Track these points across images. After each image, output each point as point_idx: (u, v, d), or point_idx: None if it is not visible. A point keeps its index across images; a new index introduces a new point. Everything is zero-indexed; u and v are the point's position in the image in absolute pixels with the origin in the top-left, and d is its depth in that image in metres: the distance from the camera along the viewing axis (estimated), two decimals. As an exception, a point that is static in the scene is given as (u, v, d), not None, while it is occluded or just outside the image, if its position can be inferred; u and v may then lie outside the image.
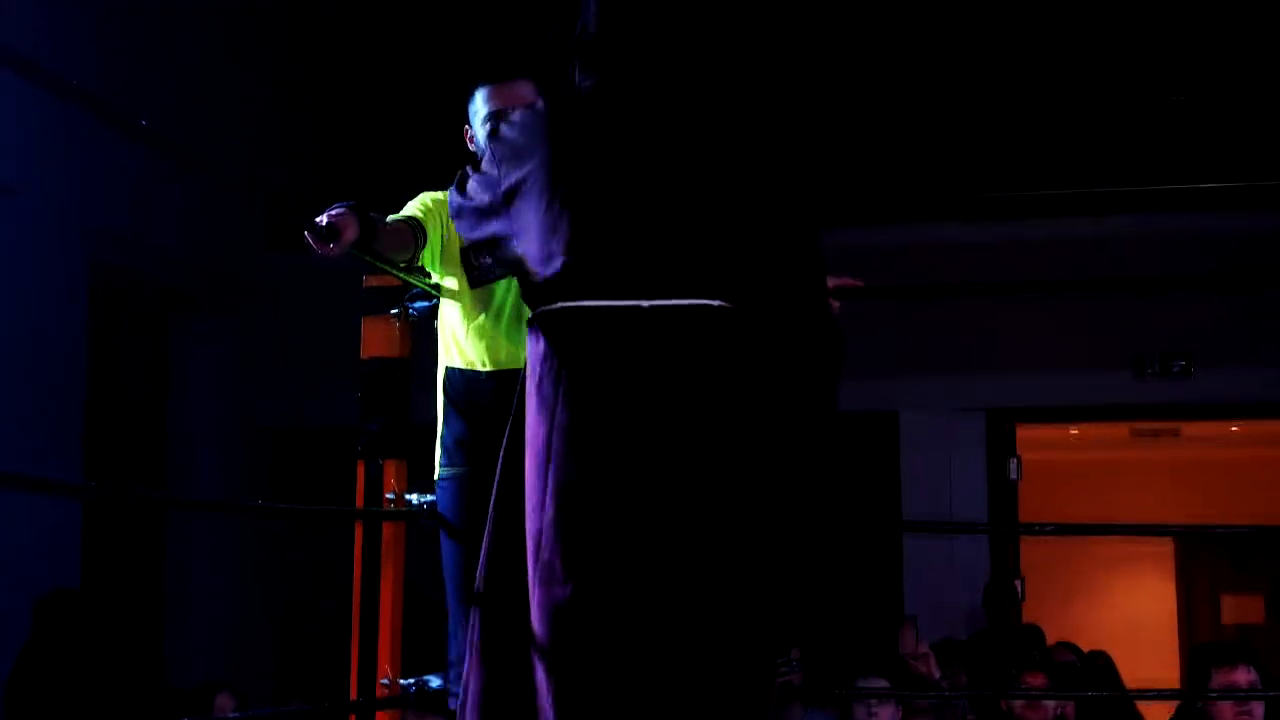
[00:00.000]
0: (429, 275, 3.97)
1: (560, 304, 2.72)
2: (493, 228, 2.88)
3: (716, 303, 2.70)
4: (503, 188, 2.83)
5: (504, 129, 2.87)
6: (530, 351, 2.79)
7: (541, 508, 2.67)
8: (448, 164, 4.32)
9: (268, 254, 10.04)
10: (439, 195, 3.95)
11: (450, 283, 3.91)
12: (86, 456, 8.47)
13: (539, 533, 2.66)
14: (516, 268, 2.84)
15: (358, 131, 10.35)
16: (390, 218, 3.75)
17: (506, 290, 3.83)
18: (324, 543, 9.56)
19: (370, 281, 4.29)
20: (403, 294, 4.24)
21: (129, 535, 9.63)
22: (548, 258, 2.74)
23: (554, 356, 2.71)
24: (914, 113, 9.74)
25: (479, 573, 2.81)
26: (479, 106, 3.92)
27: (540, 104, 2.88)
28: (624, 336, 2.68)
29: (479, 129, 3.92)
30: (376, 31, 10.03)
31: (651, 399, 2.65)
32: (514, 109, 2.92)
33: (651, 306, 2.68)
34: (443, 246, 3.88)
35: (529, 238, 2.77)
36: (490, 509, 2.83)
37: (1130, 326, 9.33)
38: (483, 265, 3.86)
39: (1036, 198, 9.69)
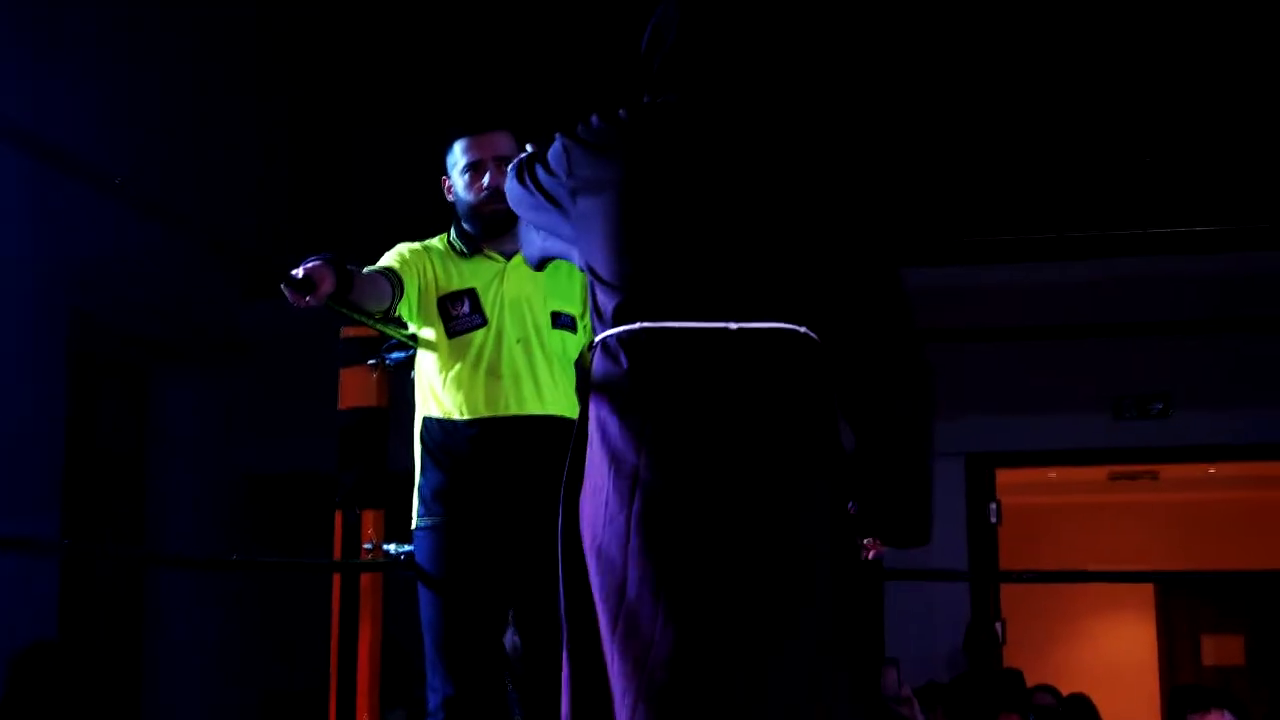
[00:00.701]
0: (406, 325, 3.98)
1: (641, 324, 2.65)
2: (553, 228, 2.84)
3: (802, 329, 2.65)
4: (570, 190, 2.78)
5: (581, 131, 2.80)
6: (601, 373, 2.69)
7: (625, 537, 2.58)
8: (424, 216, 4.36)
9: (246, 304, 10.05)
10: (416, 246, 3.97)
11: (428, 333, 3.92)
12: (65, 507, 8.45)
13: (621, 564, 2.58)
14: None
15: (333, 184, 10.37)
16: (367, 269, 3.76)
17: (484, 340, 3.84)
18: (304, 591, 9.55)
19: (348, 332, 4.30)
20: (380, 344, 4.25)
21: (107, 588, 9.60)
22: (624, 275, 2.68)
23: (638, 379, 2.63)
24: (891, 159, 9.79)
25: (563, 614, 2.73)
26: (457, 157, 3.93)
27: (622, 112, 2.80)
28: (713, 359, 2.61)
29: (457, 179, 3.94)
30: (353, 83, 10.06)
31: (744, 424, 2.57)
32: (592, 115, 2.83)
33: (740, 329, 2.62)
34: (419, 297, 3.89)
35: (597, 249, 2.72)
36: (560, 543, 2.75)
37: (1108, 369, 9.36)
38: (460, 315, 3.87)
39: (1014, 242, 9.73)
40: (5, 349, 7.94)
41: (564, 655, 2.72)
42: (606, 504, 2.62)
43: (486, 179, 3.88)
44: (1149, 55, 8.94)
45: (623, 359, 2.65)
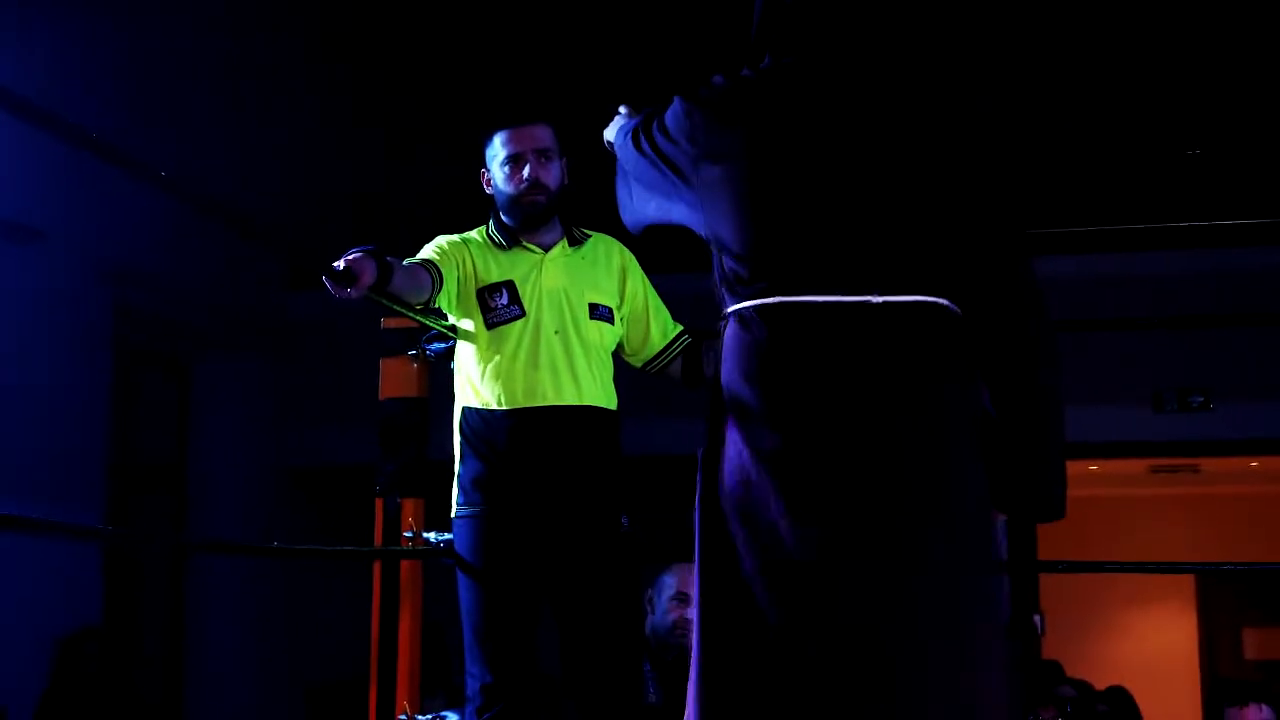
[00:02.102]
0: (445, 316, 4.02)
1: (779, 298, 2.57)
2: (671, 195, 2.76)
3: (945, 301, 2.58)
4: (693, 158, 2.70)
5: (705, 94, 2.70)
6: (739, 345, 2.61)
7: (771, 514, 2.51)
8: (465, 209, 4.39)
9: (289, 295, 10.13)
10: (454, 238, 4.00)
11: (466, 324, 3.95)
12: (109, 496, 8.53)
13: (770, 539, 2.51)
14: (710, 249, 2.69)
15: (378, 175, 10.41)
16: (407, 261, 3.79)
17: (522, 331, 3.88)
18: (346, 579, 9.62)
19: (388, 323, 4.34)
20: (421, 334, 4.29)
21: (150, 576, 9.68)
22: (757, 246, 2.60)
23: (778, 354, 2.55)
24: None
25: (699, 611, 2.61)
26: (497, 150, 3.96)
27: (746, 72, 2.70)
28: (855, 333, 2.53)
29: (496, 171, 3.97)
30: (396, 77, 10.09)
31: (887, 398, 2.51)
32: (715, 77, 2.73)
33: (883, 303, 2.54)
34: (458, 289, 3.92)
35: (726, 219, 2.64)
36: (696, 529, 2.63)
37: (1149, 361, 9.34)
38: (498, 307, 3.91)
39: (1057, 235, 9.71)
40: (51, 340, 8.02)
41: (695, 636, 2.60)
42: (748, 481, 2.55)
43: (527, 171, 3.91)
44: (1192, 48, 8.90)
45: (761, 331, 2.58)
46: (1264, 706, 5.53)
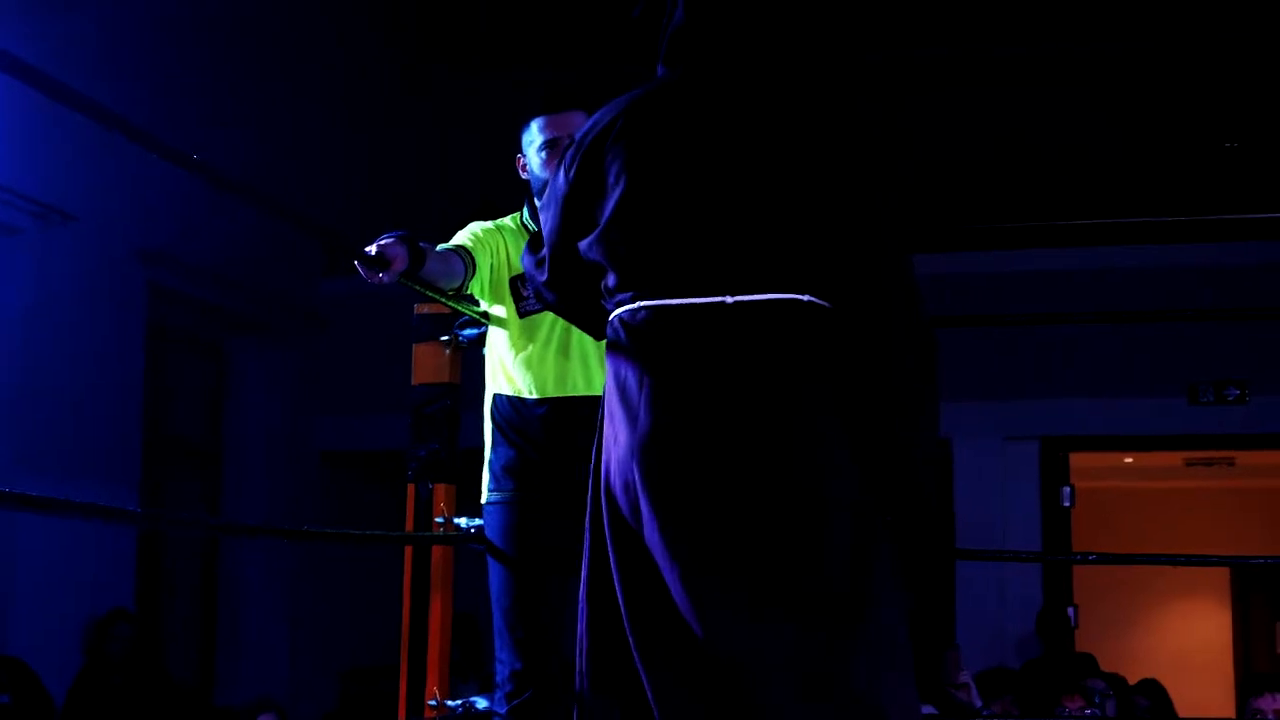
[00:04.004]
0: (478, 303, 4.01)
1: (641, 303, 2.65)
2: (562, 216, 2.80)
3: (806, 297, 2.61)
4: (571, 185, 2.78)
5: (581, 132, 2.79)
6: (610, 352, 2.71)
7: (640, 519, 2.59)
8: (497, 196, 4.38)
9: (323, 279, 10.15)
10: (489, 225, 3.99)
11: (499, 311, 3.95)
12: (144, 478, 8.57)
13: (638, 549, 2.59)
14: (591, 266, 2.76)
15: (408, 161, 10.43)
16: (440, 247, 3.79)
17: (554, 320, 3.86)
18: (376, 564, 9.64)
19: (421, 309, 4.33)
20: (453, 321, 4.28)
21: (183, 557, 9.72)
22: (624, 254, 2.68)
23: (638, 356, 2.63)
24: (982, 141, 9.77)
25: (581, 594, 2.73)
26: (534, 136, 3.94)
27: (618, 103, 2.78)
28: (709, 333, 2.59)
29: (533, 157, 3.96)
30: (429, 64, 10.11)
31: (739, 390, 2.56)
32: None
33: (736, 302, 2.60)
34: (492, 275, 3.91)
35: (596, 236, 2.72)
36: (585, 530, 2.74)
37: (1185, 353, 9.29)
38: (531, 296, 3.90)
39: (1092, 227, 9.67)
40: (86, 322, 8.05)
41: (581, 597, 2.73)
42: (617, 484, 2.64)
43: (564, 156, 3.90)
44: (1228, 43, 8.86)
45: (623, 338, 2.67)
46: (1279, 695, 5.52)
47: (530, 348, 3.88)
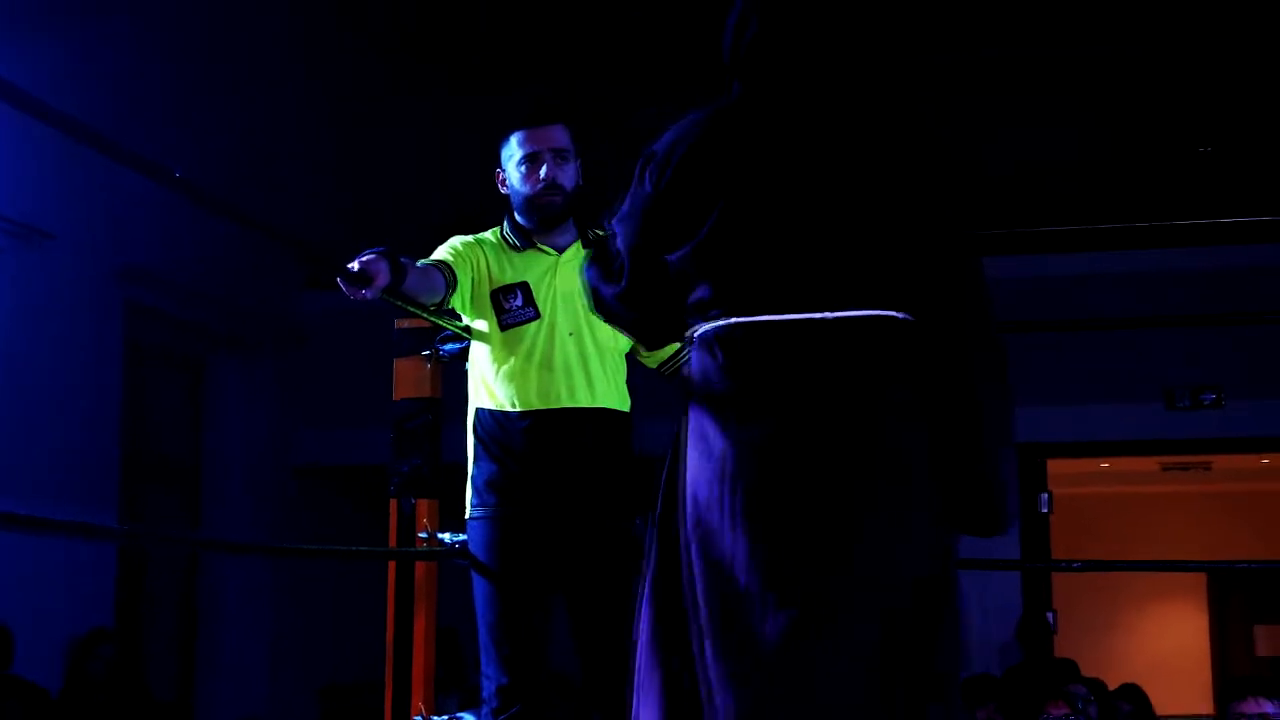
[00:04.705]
0: (459, 317, 4.02)
1: (735, 319, 2.67)
2: (645, 227, 2.79)
3: (896, 313, 2.65)
4: (659, 193, 2.76)
5: (669, 139, 2.78)
6: (698, 368, 2.71)
7: (727, 531, 2.60)
8: (475, 210, 4.39)
9: (301, 294, 10.13)
10: (469, 239, 4.00)
11: (481, 325, 3.95)
12: (122, 495, 8.54)
13: (728, 559, 2.59)
14: (669, 278, 2.77)
15: (387, 176, 10.42)
16: (421, 262, 3.79)
17: (537, 332, 3.88)
18: (356, 580, 9.63)
19: (402, 323, 4.34)
20: (435, 335, 4.29)
21: (162, 575, 9.69)
22: (717, 269, 2.69)
23: (733, 375, 2.65)
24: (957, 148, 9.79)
25: (644, 616, 2.73)
26: (513, 150, 3.95)
27: (720, 104, 2.80)
28: (808, 350, 2.62)
29: (512, 171, 3.97)
30: (405, 78, 10.10)
31: (842, 412, 2.59)
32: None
33: (836, 319, 2.63)
34: (473, 290, 3.92)
35: (691, 250, 2.72)
36: (653, 547, 2.75)
37: (1161, 359, 9.33)
38: (513, 308, 3.91)
39: (1071, 233, 9.70)
40: (64, 338, 8.03)
41: (645, 634, 2.73)
42: (706, 499, 2.64)
43: (544, 170, 3.91)
44: (1201, 49, 8.91)
45: (719, 354, 2.67)
46: (1264, 700, 5.53)
47: (512, 361, 3.89)
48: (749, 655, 2.57)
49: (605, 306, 2.93)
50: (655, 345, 2.99)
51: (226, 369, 10.03)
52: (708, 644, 2.61)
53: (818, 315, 2.62)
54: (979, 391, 2.66)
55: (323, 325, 9.99)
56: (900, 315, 2.65)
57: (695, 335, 2.74)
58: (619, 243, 2.87)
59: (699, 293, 2.73)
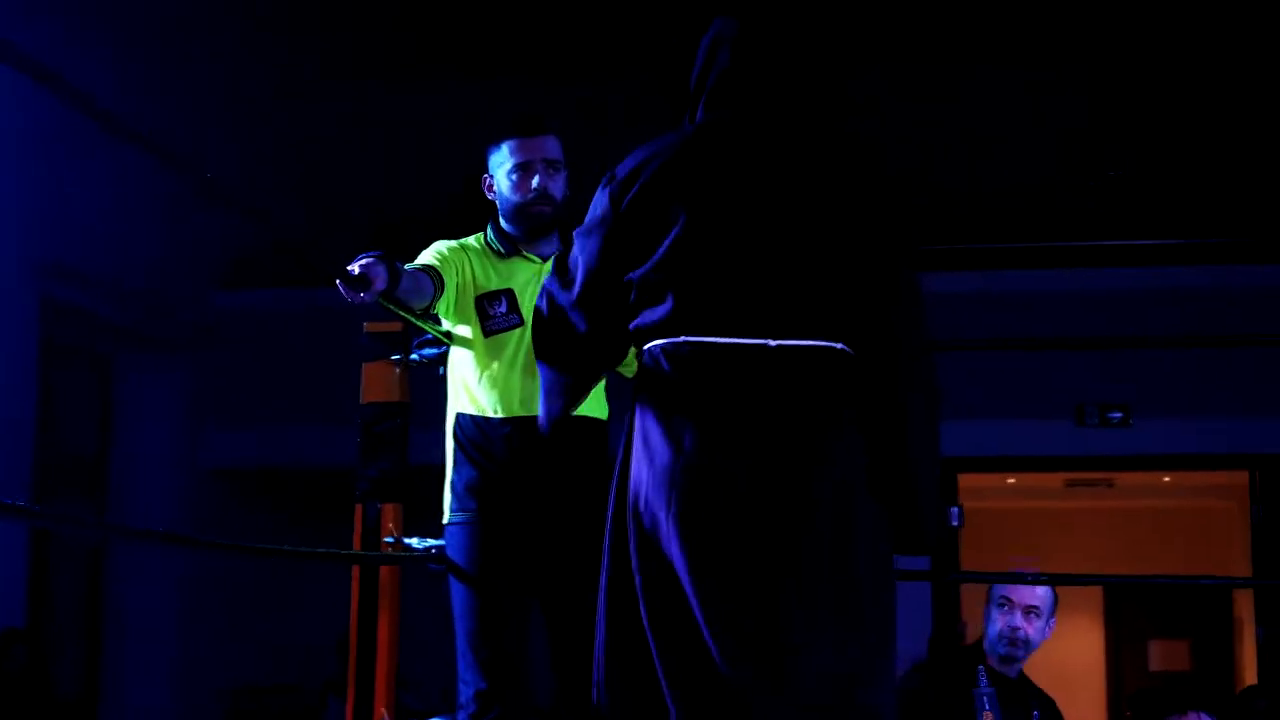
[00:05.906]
0: (440, 322, 4.02)
1: (684, 338, 2.75)
2: (606, 245, 2.87)
3: (839, 345, 2.75)
4: (620, 214, 2.85)
5: (629, 164, 2.87)
6: (647, 381, 2.81)
7: (672, 538, 2.69)
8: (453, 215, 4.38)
9: (219, 292, 10.03)
10: (453, 244, 4.01)
11: (464, 330, 3.96)
12: (34, 494, 8.41)
13: (669, 566, 2.69)
14: (627, 291, 2.86)
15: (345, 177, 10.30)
16: (409, 265, 3.79)
17: (520, 339, 3.88)
18: (268, 583, 9.54)
19: (373, 327, 4.32)
20: (403, 339, 4.28)
21: (67, 576, 9.56)
22: (665, 289, 2.78)
23: (680, 390, 2.74)
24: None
25: (600, 610, 2.85)
26: (504, 157, 3.96)
27: (686, 127, 2.90)
28: (751, 374, 2.71)
29: (501, 179, 3.97)
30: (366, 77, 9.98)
31: (779, 437, 2.68)
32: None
33: (779, 346, 2.72)
34: (457, 295, 3.93)
35: (643, 266, 2.81)
36: (605, 547, 2.84)
37: (1071, 377, 9.48)
38: (497, 315, 3.92)
39: (980, 251, 9.83)
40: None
41: (600, 632, 2.84)
42: (649, 501, 2.73)
43: (535, 180, 3.92)
44: (1113, 75, 9.06)
45: (665, 368, 2.76)
46: (1203, 714, 5.61)
47: (495, 366, 3.90)
48: (690, 668, 2.68)
49: (556, 312, 2.99)
50: (605, 361, 3.04)
51: (139, 367, 9.91)
52: (653, 647, 2.72)
53: (761, 342, 2.72)
54: (909, 426, 2.76)
55: (238, 323, 9.89)
56: (839, 346, 2.75)
57: (645, 348, 2.83)
58: (578, 255, 2.95)
59: (654, 310, 2.81)
